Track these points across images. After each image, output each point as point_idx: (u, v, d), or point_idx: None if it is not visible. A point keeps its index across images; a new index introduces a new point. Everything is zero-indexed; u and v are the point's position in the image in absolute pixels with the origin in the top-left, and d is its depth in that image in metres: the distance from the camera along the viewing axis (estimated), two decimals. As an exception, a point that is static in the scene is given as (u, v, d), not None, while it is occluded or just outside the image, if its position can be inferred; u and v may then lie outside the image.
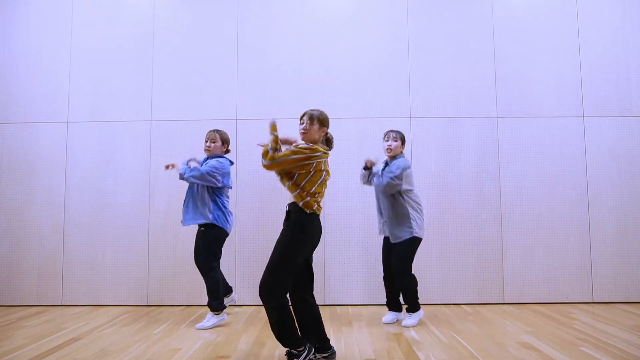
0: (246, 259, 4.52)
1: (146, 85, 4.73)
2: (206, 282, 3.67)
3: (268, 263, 2.61)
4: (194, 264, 3.91)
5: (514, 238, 4.53)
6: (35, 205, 4.61)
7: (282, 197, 4.38)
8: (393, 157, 3.74)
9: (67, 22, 4.80)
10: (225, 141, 3.84)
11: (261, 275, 2.64)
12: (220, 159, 3.73)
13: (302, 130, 2.77)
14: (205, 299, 4.23)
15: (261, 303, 4.40)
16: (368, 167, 3.80)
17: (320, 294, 4.38)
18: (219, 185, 3.67)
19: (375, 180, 3.74)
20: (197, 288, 4.49)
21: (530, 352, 2.92)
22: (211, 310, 3.66)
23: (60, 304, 4.52)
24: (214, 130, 3.84)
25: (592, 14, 4.74)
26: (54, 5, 4.82)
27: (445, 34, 4.73)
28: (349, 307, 4.40)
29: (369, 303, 4.48)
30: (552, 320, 3.78)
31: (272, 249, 2.65)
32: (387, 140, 3.75)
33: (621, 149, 4.60)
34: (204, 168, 3.63)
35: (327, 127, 2.83)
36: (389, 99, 4.68)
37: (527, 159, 4.60)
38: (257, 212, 4.55)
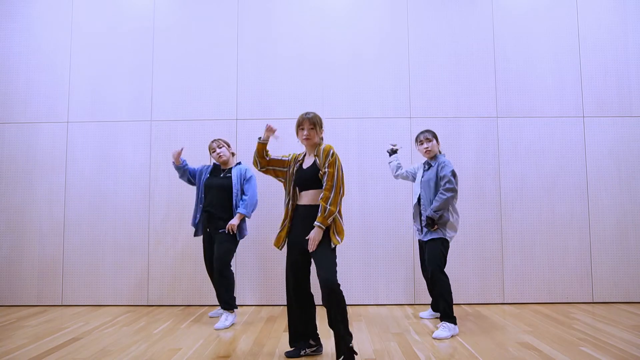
0: (246, 259, 4.51)
1: (146, 85, 4.73)
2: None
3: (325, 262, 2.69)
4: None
5: (514, 238, 4.53)
6: (35, 205, 4.61)
7: (279, 196, 4.37)
8: (433, 157, 3.64)
9: (67, 22, 4.80)
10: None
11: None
12: None
13: (306, 137, 2.83)
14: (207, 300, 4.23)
15: (261, 303, 4.43)
16: (394, 151, 3.70)
17: (320, 294, 4.37)
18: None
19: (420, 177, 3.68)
20: (197, 288, 4.50)
21: (530, 352, 2.91)
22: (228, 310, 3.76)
23: (60, 304, 4.52)
24: (215, 140, 4.00)
25: (592, 13, 4.74)
26: (54, 6, 4.82)
27: (445, 34, 4.73)
28: (349, 307, 4.39)
29: (369, 303, 4.48)
30: (552, 320, 3.78)
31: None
32: (422, 144, 3.64)
33: (621, 149, 4.60)
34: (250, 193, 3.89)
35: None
36: (389, 98, 4.68)
37: (527, 158, 4.60)
38: (257, 211, 4.54)
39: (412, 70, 4.70)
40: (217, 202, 3.81)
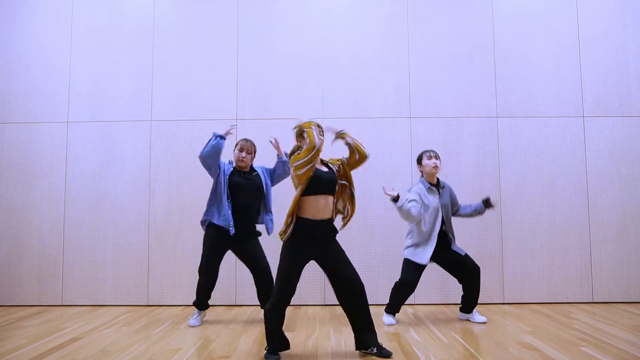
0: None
1: (146, 85, 4.73)
2: None
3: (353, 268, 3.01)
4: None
5: (514, 238, 4.53)
6: (35, 205, 4.61)
7: (280, 196, 4.37)
8: (435, 179, 3.75)
9: (67, 22, 4.80)
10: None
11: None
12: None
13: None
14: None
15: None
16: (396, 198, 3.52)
17: (320, 294, 4.38)
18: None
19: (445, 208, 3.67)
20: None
21: (530, 352, 2.91)
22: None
23: (60, 304, 4.53)
24: (247, 140, 3.79)
25: (592, 13, 4.73)
26: (54, 5, 4.82)
27: (445, 34, 4.73)
28: (349, 307, 4.39)
29: (369, 303, 4.46)
30: (552, 320, 3.78)
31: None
32: (435, 159, 3.69)
33: (621, 149, 4.60)
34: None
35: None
36: (389, 99, 4.68)
37: (527, 159, 4.60)
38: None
39: (412, 70, 4.70)
40: (250, 203, 3.70)
